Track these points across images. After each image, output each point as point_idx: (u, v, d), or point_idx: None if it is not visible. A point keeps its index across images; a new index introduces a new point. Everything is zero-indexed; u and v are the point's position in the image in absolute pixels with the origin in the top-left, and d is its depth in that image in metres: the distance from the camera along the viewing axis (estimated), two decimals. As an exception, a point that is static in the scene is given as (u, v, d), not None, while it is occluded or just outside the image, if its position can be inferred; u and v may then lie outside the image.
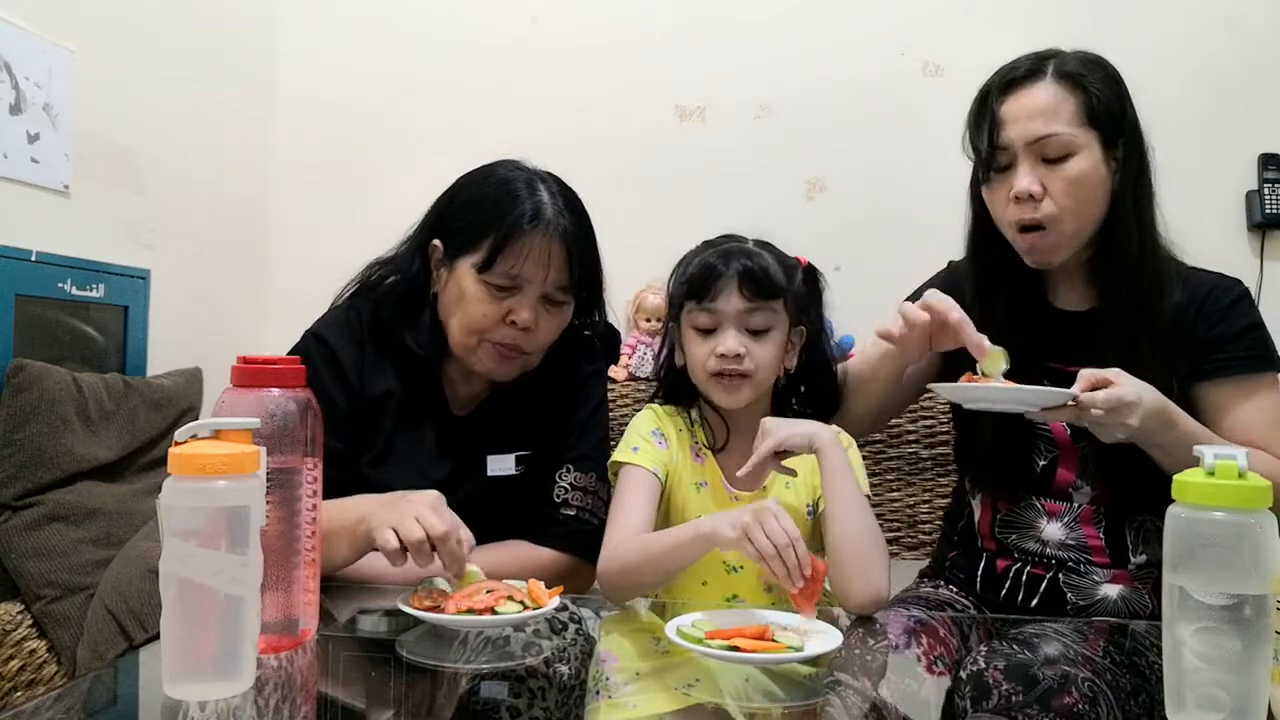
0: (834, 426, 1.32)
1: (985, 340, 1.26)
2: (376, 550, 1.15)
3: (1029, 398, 1.22)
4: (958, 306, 1.28)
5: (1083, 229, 1.35)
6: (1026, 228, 1.35)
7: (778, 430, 1.26)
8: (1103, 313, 1.39)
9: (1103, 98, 1.34)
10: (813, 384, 1.44)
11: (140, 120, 2.14)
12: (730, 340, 1.31)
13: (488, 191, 1.38)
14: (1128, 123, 1.36)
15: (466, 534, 1.13)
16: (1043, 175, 1.32)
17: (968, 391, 1.28)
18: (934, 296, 1.29)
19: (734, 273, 1.32)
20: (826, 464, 1.25)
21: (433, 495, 1.17)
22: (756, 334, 1.33)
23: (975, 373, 1.29)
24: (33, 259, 1.82)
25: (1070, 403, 1.19)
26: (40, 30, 1.87)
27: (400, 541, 1.10)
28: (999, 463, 1.42)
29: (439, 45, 2.62)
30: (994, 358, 1.27)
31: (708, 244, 1.40)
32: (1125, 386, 1.19)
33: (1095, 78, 1.35)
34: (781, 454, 1.27)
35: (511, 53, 2.60)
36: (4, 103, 1.80)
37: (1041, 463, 1.40)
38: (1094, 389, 1.19)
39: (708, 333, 1.34)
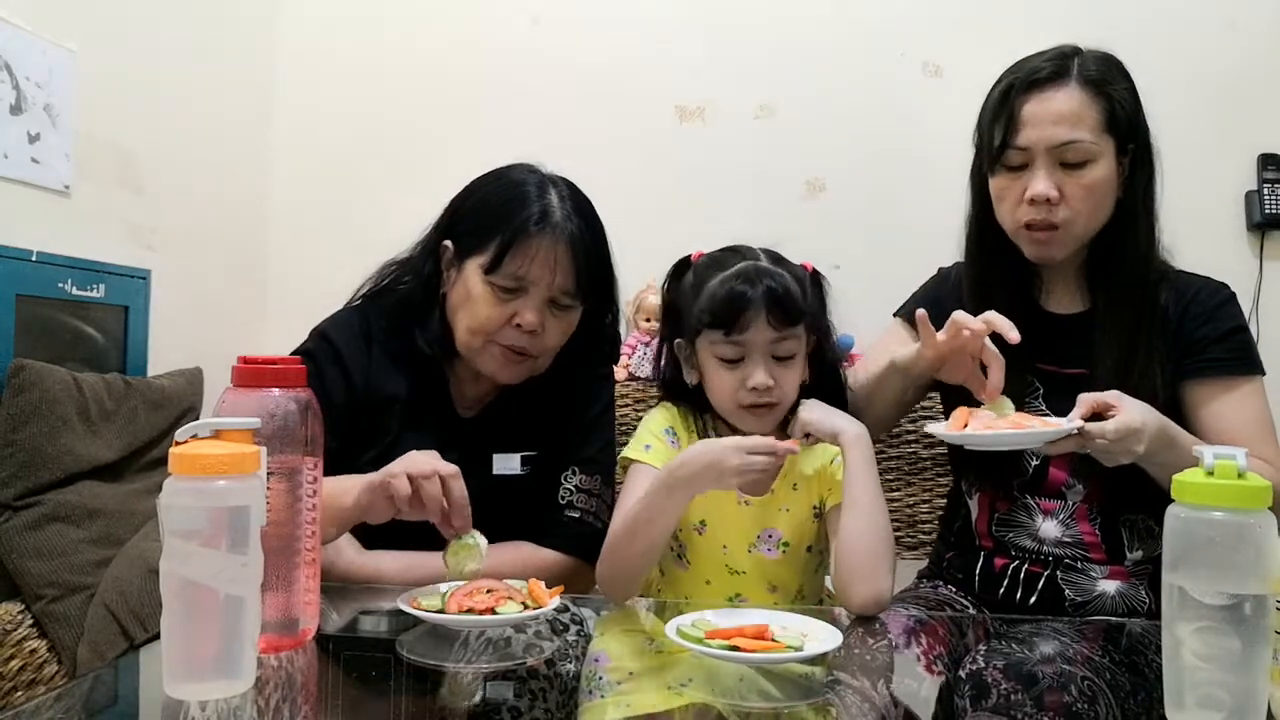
0: (860, 424, 1.30)
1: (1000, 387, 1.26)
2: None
3: (1034, 439, 1.20)
4: (1014, 331, 1.24)
5: (1088, 232, 1.37)
6: (1035, 225, 1.34)
7: (808, 412, 1.28)
8: (1099, 315, 1.39)
9: (1123, 105, 1.34)
10: (817, 385, 1.41)
11: (140, 120, 2.14)
12: (760, 374, 1.28)
13: (498, 193, 1.38)
14: (1140, 128, 1.37)
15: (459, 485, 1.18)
16: (1060, 179, 1.33)
17: (971, 436, 1.26)
18: (997, 316, 1.26)
19: (760, 301, 1.27)
20: (849, 460, 1.25)
21: (427, 452, 1.22)
22: (782, 361, 1.30)
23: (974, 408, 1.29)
24: (33, 259, 1.82)
25: (1075, 433, 1.18)
26: (40, 30, 1.87)
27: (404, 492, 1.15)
28: (991, 462, 1.42)
29: (438, 46, 2.63)
30: (1001, 403, 1.27)
31: (717, 263, 1.34)
32: (1130, 413, 1.17)
33: (1119, 86, 1.35)
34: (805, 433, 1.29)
35: (511, 54, 2.60)
36: (4, 103, 1.80)
37: (1034, 462, 1.40)
38: (1094, 413, 1.18)
39: (733, 363, 1.30)
